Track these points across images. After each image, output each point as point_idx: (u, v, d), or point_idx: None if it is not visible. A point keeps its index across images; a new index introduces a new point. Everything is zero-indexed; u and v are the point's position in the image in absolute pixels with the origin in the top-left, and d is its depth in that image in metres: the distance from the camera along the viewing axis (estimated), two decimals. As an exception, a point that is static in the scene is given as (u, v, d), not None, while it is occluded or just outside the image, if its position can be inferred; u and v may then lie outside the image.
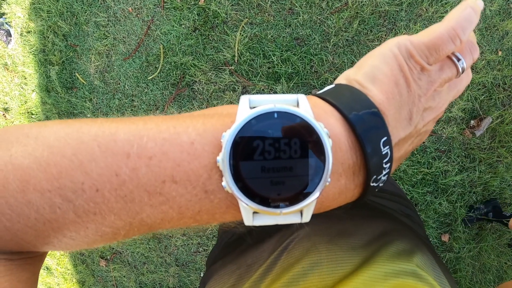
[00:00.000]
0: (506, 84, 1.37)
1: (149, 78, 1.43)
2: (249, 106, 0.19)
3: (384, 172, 0.20)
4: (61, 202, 0.17)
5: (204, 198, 0.18)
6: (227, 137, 0.17)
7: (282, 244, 0.36)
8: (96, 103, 1.53)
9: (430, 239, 1.54)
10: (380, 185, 0.21)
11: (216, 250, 0.49)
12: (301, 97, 0.19)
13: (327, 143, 0.18)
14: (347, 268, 0.31)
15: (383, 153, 0.19)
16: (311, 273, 0.31)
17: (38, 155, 0.17)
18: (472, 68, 1.35)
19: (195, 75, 1.41)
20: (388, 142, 0.19)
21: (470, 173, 1.44)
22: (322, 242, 0.34)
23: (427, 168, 1.45)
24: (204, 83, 1.41)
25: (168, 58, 1.41)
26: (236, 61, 1.38)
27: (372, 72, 0.21)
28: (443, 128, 1.41)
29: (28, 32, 1.60)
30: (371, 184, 0.20)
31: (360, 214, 0.40)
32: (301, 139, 0.18)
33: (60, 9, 1.52)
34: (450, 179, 1.45)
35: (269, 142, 0.17)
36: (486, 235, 1.49)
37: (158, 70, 1.42)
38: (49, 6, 1.53)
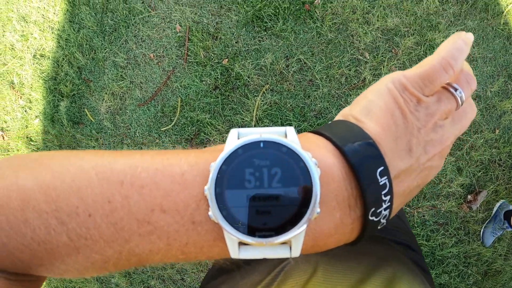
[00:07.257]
0: (501, 160, 1.42)
1: (162, 129, 1.40)
2: (238, 138, 0.19)
3: (384, 206, 0.19)
4: (56, 224, 0.18)
5: (192, 230, 0.18)
6: (214, 166, 0.18)
7: (280, 265, 0.36)
8: (102, 144, 1.48)
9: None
10: (382, 221, 0.20)
11: (210, 272, 0.50)
12: (289, 129, 0.20)
13: (314, 172, 0.18)
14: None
15: (381, 183, 0.18)
16: None
17: (41, 178, 0.18)
18: (472, 147, 1.41)
19: (210, 133, 1.38)
20: (385, 172, 0.19)
21: (465, 245, 1.47)
22: (321, 262, 0.35)
23: (426, 240, 1.47)
24: (219, 143, 1.39)
25: (184, 112, 1.38)
26: (253, 126, 1.36)
27: (367, 107, 0.21)
28: (443, 202, 1.44)
29: (42, 55, 1.56)
30: (370, 218, 0.19)
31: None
32: (287, 168, 0.18)
33: (79, 40, 1.48)
34: (447, 251, 1.47)
35: (255, 171, 0.18)
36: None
37: (173, 122, 1.39)
38: (68, 34, 1.49)
